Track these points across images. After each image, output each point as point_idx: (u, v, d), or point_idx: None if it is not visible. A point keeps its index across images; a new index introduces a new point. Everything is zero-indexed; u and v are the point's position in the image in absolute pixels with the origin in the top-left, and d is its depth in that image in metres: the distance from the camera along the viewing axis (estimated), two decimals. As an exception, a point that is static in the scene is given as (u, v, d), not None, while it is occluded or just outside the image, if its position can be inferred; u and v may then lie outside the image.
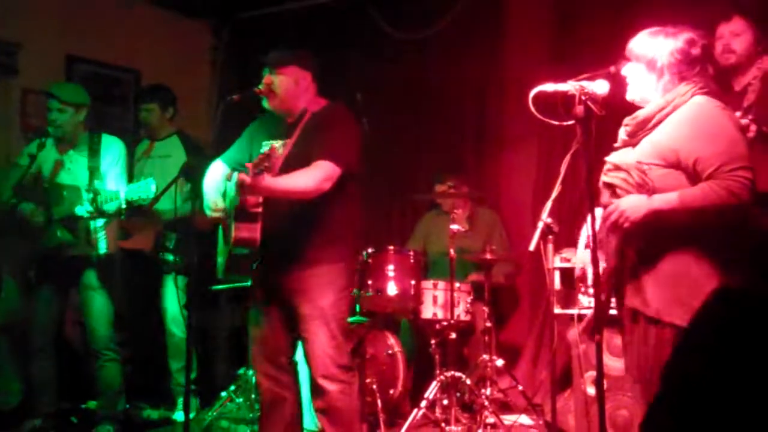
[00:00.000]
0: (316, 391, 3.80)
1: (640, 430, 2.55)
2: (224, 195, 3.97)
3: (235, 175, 3.57)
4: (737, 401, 2.14)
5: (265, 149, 3.53)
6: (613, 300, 4.31)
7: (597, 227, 3.14)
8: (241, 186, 3.50)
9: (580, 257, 4.61)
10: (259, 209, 3.69)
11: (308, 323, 3.78)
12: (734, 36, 4.16)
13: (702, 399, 2.18)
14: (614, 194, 3.11)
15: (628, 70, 3.21)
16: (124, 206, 4.51)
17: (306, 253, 3.81)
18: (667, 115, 3.07)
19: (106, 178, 4.88)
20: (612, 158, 3.20)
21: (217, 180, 4.01)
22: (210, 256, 5.85)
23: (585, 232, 3.89)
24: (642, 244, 3.05)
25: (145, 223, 5.46)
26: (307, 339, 3.79)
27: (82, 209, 4.66)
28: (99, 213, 4.64)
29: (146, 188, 4.39)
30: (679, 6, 4.91)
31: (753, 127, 3.94)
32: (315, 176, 3.67)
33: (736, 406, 2.13)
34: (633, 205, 3.00)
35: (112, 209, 4.72)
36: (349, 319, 5.24)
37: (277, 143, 3.88)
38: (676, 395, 2.22)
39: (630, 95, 3.23)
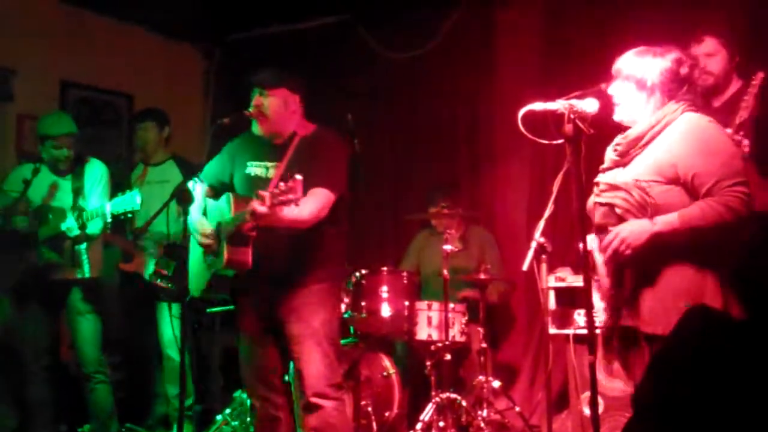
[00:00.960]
0: (310, 409, 3.79)
1: None
2: (205, 213, 3.98)
3: (241, 202, 3.58)
4: (707, 422, 2.13)
5: (288, 182, 3.38)
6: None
7: (590, 248, 3.13)
8: (253, 215, 3.49)
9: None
10: (254, 233, 3.69)
11: (300, 343, 3.79)
12: (709, 57, 4.18)
13: (673, 421, 2.17)
14: (614, 215, 3.10)
15: (615, 89, 3.22)
16: (109, 220, 4.50)
17: (297, 274, 3.83)
18: (658, 133, 3.08)
19: (90, 199, 4.91)
20: (605, 179, 3.20)
21: (198, 200, 4.00)
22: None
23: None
24: (643, 265, 3.04)
25: (139, 245, 5.45)
26: (300, 358, 3.80)
27: (66, 225, 4.69)
28: (83, 230, 4.65)
29: (131, 201, 4.38)
30: (660, 27, 4.96)
31: (746, 142, 3.94)
32: (316, 205, 3.71)
33: (706, 426, 2.13)
34: (634, 231, 3.00)
35: (97, 228, 4.74)
36: (343, 341, 5.25)
37: (269, 164, 3.89)
38: (649, 417, 2.22)
39: (618, 115, 3.23)
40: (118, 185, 5.18)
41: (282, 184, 3.37)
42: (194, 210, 3.96)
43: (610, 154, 3.26)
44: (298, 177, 3.36)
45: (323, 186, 3.73)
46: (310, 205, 3.67)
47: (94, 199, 4.92)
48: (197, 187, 4.04)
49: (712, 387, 2.21)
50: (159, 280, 5.32)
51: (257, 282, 3.85)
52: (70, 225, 4.70)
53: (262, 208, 3.43)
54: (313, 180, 3.69)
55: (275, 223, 3.59)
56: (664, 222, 2.97)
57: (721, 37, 4.21)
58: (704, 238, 2.93)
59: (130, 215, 4.46)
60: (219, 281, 3.89)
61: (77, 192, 4.91)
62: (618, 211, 3.08)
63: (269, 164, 3.90)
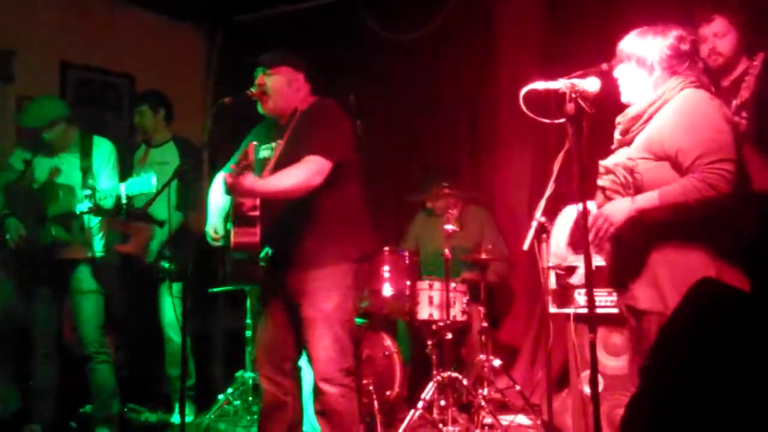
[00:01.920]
0: (317, 393, 3.76)
1: (621, 427, 2.57)
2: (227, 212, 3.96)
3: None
4: (715, 396, 2.15)
5: (246, 149, 3.45)
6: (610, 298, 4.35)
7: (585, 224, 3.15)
8: (228, 188, 3.49)
9: (559, 255, 4.60)
10: (257, 212, 3.63)
11: (311, 327, 3.73)
12: (718, 37, 4.12)
13: (680, 395, 2.18)
14: (606, 197, 3.12)
15: (620, 71, 3.22)
16: (125, 201, 4.47)
17: (307, 254, 3.75)
18: (657, 110, 3.09)
19: (99, 178, 4.89)
20: (605, 161, 3.21)
21: (220, 195, 3.98)
22: (205, 261, 5.89)
23: (560, 228, 3.87)
24: (643, 241, 3.05)
25: (142, 227, 5.45)
26: (310, 342, 3.74)
27: (81, 206, 4.63)
28: (98, 210, 4.64)
29: (147, 182, 4.35)
30: (667, 6, 4.93)
31: (742, 124, 3.93)
32: (303, 173, 3.61)
33: (714, 400, 2.14)
34: (614, 209, 3.03)
35: (108, 205, 4.71)
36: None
37: (274, 144, 3.87)
38: (655, 392, 2.23)
39: (625, 97, 3.24)
40: (122, 166, 5.19)
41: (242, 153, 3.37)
42: (214, 207, 3.98)
43: (616, 135, 3.28)
44: (252, 143, 3.43)
45: (314, 153, 3.62)
46: (294, 173, 3.59)
47: (104, 179, 4.89)
48: (220, 181, 4.00)
49: (719, 361, 2.23)
50: (158, 261, 5.33)
51: (272, 263, 3.82)
52: (81, 205, 4.64)
53: (228, 180, 3.43)
54: (304, 148, 3.65)
55: (252, 194, 3.55)
56: (645, 199, 2.98)
57: (732, 16, 4.15)
58: (688, 215, 2.93)
59: (146, 197, 4.43)
60: (239, 270, 3.87)
61: (86, 171, 4.87)
62: (608, 193, 3.10)
63: (274, 144, 3.87)
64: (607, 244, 3.20)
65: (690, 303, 2.46)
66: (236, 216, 3.68)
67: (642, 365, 2.64)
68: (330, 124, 3.81)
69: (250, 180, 3.46)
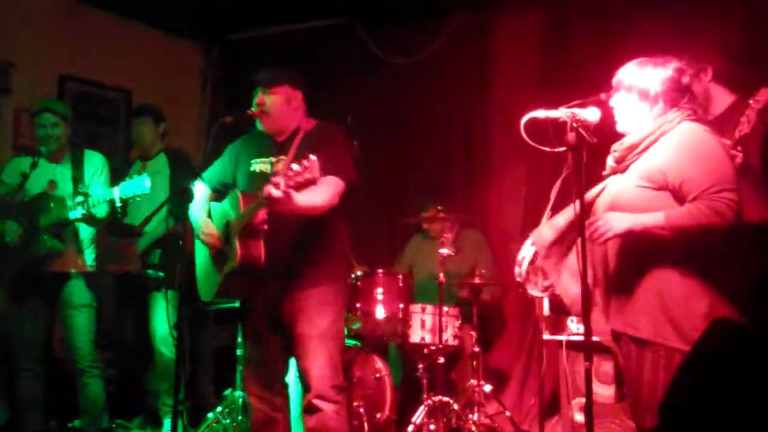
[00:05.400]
0: (310, 410, 3.76)
1: None
2: (210, 216, 3.95)
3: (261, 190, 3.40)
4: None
5: (303, 162, 3.26)
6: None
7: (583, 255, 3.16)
8: (267, 199, 3.36)
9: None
10: (265, 227, 3.60)
11: (306, 343, 3.74)
12: None
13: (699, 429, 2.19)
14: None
15: (617, 101, 3.24)
16: (119, 204, 4.46)
17: (306, 272, 3.78)
18: (654, 141, 3.11)
19: (90, 188, 4.88)
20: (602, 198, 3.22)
21: (201, 201, 3.97)
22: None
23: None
24: (628, 263, 3.06)
25: (132, 242, 5.44)
26: (304, 358, 3.75)
27: (74, 213, 4.63)
28: (90, 216, 4.63)
29: (140, 184, 4.34)
30: (662, 37, 4.99)
31: (739, 157, 3.95)
32: (330, 192, 3.66)
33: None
34: (617, 217, 3.03)
35: (103, 212, 4.70)
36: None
37: (274, 160, 3.86)
38: (674, 427, 2.24)
39: (621, 126, 3.26)
40: (115, 180, 5.18)
41: (294, 165, 3.26)
42: (198, 211, 3.94)
43: (609, 161, 3.30)
44: (313, 157, 3.25)
45: (334, 174, 3.66)
46: (324, 191, 3.62)
47: (96, 189, 4.88)
48: (198, 187, 3.99)
49: (736, 400, 2.23)
50: (147, 271, 5.31)
51: (266, 279, 3.78)
52: (75, 212, 4.64)
53: (276, 192, 3.29)
54: (323, 169, 3.56)
55: (291, 209, 3.45)
56: (650, 218, 2.98)
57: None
58: (690, 240, 2.94)
59: (138, 198, 4.41)
60: (230, 285, 3.82)
61: (77, 181, 4.88)
62: None
63: (273, 159, 3.86)
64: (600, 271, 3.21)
65: (707, 342, 2.47)
66: (245, 228, 3.62)
67: (660, 404, 2.62)
68: (344, 148, 3.88)
69: (300, 197, 3.40)
